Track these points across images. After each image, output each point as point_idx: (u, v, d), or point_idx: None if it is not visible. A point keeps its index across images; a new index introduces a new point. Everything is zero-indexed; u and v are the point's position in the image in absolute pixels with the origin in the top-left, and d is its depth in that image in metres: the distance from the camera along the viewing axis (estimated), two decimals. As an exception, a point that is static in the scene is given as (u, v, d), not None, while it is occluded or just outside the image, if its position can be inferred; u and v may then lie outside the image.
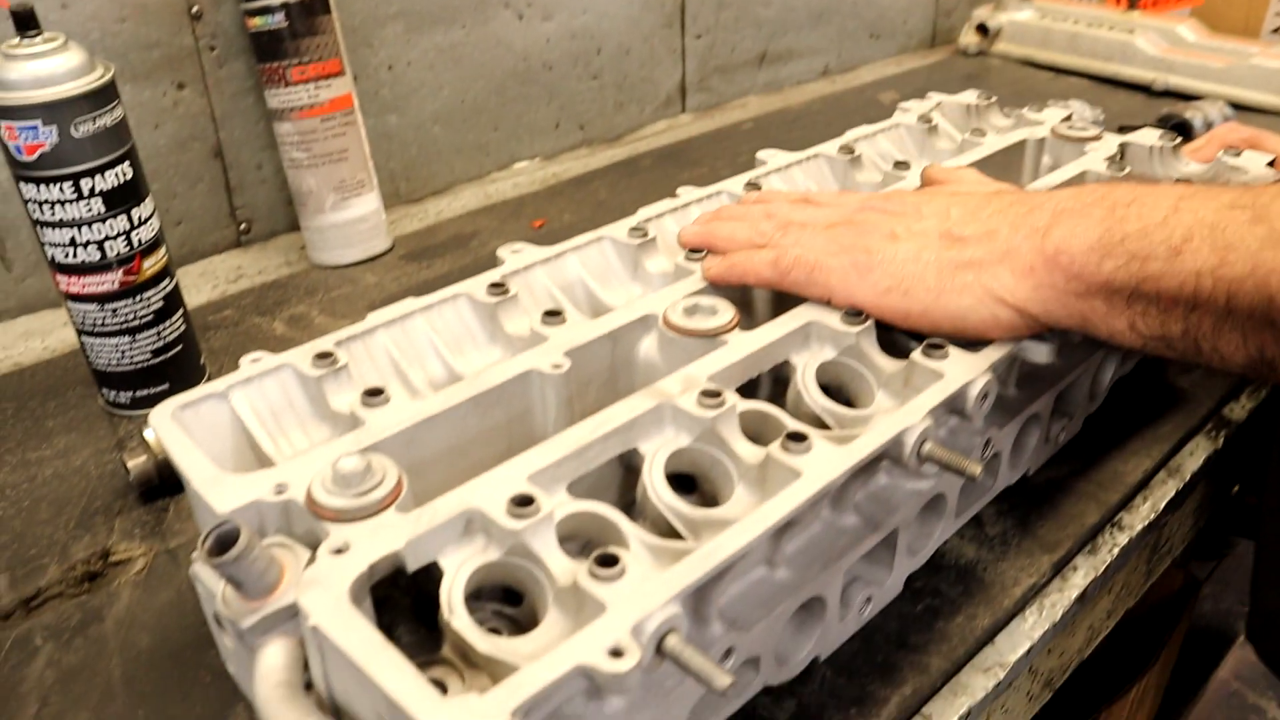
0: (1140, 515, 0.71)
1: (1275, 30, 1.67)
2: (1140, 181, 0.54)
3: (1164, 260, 0.48)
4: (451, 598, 0.42)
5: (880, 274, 0.57)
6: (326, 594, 0.39)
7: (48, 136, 0.67)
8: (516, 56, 1.20)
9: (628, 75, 1.34)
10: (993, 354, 0.55)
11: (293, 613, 0.41)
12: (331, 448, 0.48)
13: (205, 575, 0.46)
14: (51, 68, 0.66)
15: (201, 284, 1.00)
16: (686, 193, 0.77)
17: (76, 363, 0.86)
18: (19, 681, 0.56)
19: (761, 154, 0.84)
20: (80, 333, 0.77)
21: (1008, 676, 0.59)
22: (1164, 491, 0.73)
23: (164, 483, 0.70)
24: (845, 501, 0.54)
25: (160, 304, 0.77)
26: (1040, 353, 0.57)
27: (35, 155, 0.67)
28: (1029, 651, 0.61)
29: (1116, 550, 0.68)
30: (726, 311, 0.59)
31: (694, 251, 0.67)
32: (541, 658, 0.36)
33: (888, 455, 0.50)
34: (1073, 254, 0.52)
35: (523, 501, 0.43)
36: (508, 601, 0.49)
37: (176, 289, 0.79)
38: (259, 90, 0.98)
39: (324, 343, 0.56)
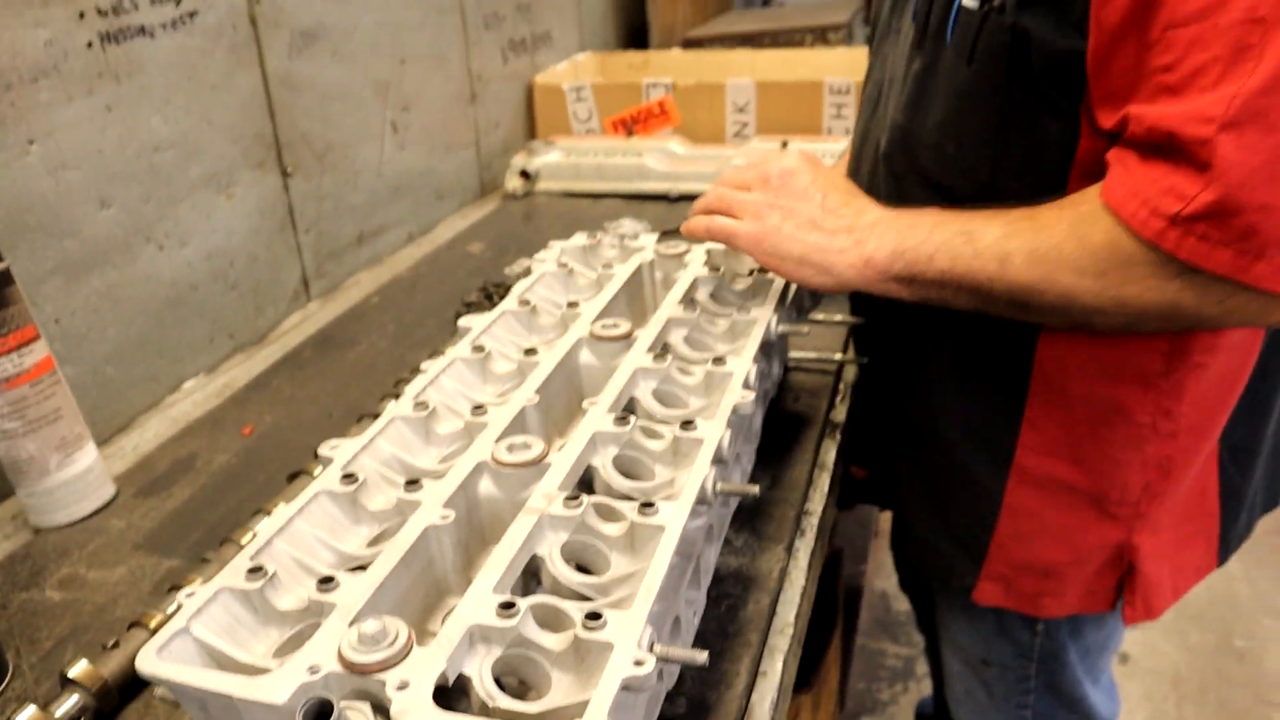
0: (816, 502, 1.00)
1: (735, 135, 2.19)
2: (913, 209, 0.93)
3: (924, 264, 0.87)
4: (488, 689, 0.57)
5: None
6: (422, 714, 0.52)
7: None
8: (166, 285, 1.27)
9: (260, 279, 1.45)
10: (723, 416, 0.80)
11: (380, 749, 0.54)
12: (325, 631, 0.60)
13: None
14: None
15: (-85, 587, 0.95)
16: (429, 365, 0.94)
17: None
18: None
19: (463, 322, 1.03)
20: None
21: (793, 632, 0.84)
22: (822, 481, 1.04)
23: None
24: (670, 546, 0.75)
25: (-37, 602, 0.77)
26: (748, 404, 0.83)
27: None
28: (798, 613, 0.86)
29: (813, 529, 0.96)
30: (538, 443, 0.78)
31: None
32: (592, 692, 0.53)
33: (699, 499, 0.72)
34: (878, 261, 0.90)
35: (507, 606, 0.59)
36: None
37: (-31, 584, 0.79)
38: (-58, 378, 0.98)
39: (242, 561, 0.66)
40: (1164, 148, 0.74)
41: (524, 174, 2.06)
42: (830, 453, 1.08)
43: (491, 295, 1.46)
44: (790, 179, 0.98)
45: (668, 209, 1.92)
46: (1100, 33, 0.78)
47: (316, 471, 0.98)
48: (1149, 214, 0.75)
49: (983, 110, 0.88)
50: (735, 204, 1.00)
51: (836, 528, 1.28)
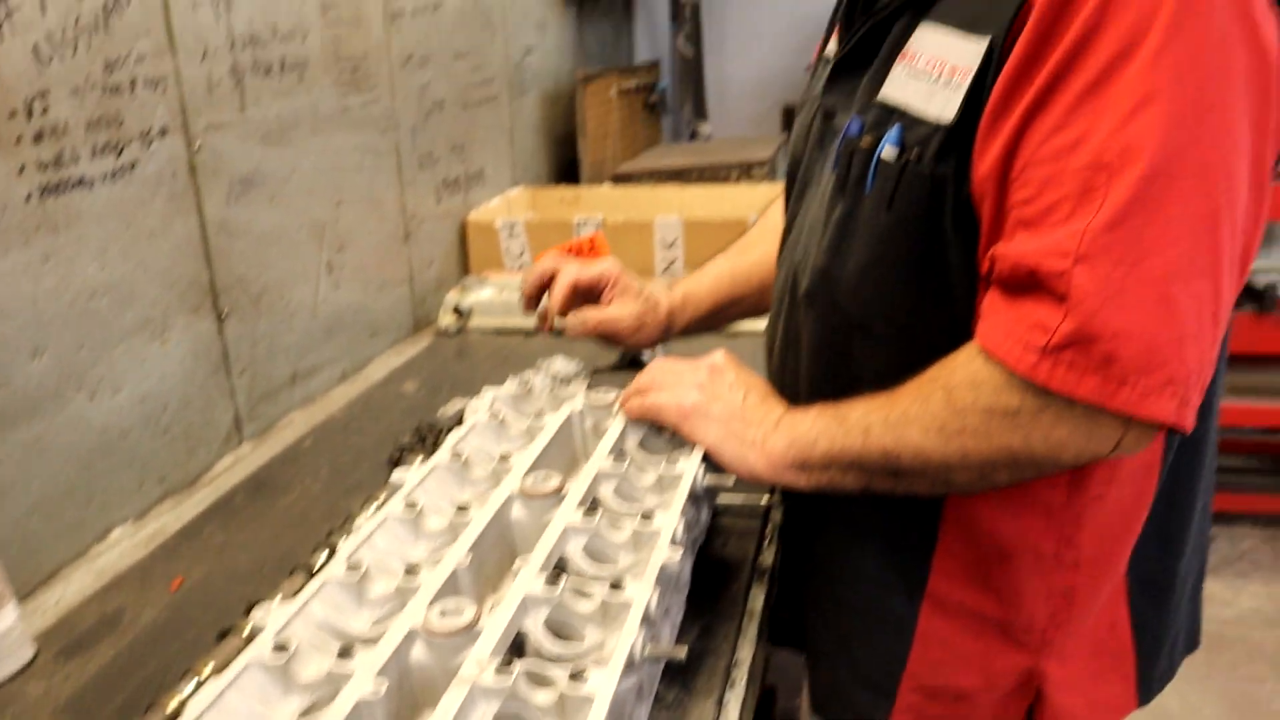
0: (745, 651, 1.02)
1: (664, 270, 2.27)
2: (804, 407, 1.01)
3: (809, 449, 0.95)
4: None
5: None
6: None
7: None
8: (96, 433, 1.27)
9: (192, 423, 1.45)
10: (652, 575, 0.83)
11: None
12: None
13: None
14: None
15: None
16: (363, 521, 0.95)
17: None
18: None
19: (395, 476, 1.05)
20: None
21: (723, 790, 0.85)
22: (751, 630, 1.06)
23: None
24: (600, 709, 0.77)
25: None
26: (675, 563, 0.86)
27: None
28: (728, 768, 0.87)
29: (743, 679, 0.98)
30: (470, 607, 0.79)
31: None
32: None
33: (628, 663, 0.74)
34: (775, 453, 0.98)
35: (439, 787, 0.60)
36: None
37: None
38: None
39: (171, 743, 0.66)
40: (1027, 285, 0.82)
41: (457, 310, 2.10)
42: (759, 599, 1.10)
43: (425, 438, 1.48)
44: (718, 375, 1.06)
45: (598, 347, 1.96)
46: (976, 180, 0.86)
47: (246, 631, 0.97)
48: (1022, 350, 0.82)
49: (902, 255, 0.94)
50: (666, 386, 1.08)
51: (769, 663, 1.30)
